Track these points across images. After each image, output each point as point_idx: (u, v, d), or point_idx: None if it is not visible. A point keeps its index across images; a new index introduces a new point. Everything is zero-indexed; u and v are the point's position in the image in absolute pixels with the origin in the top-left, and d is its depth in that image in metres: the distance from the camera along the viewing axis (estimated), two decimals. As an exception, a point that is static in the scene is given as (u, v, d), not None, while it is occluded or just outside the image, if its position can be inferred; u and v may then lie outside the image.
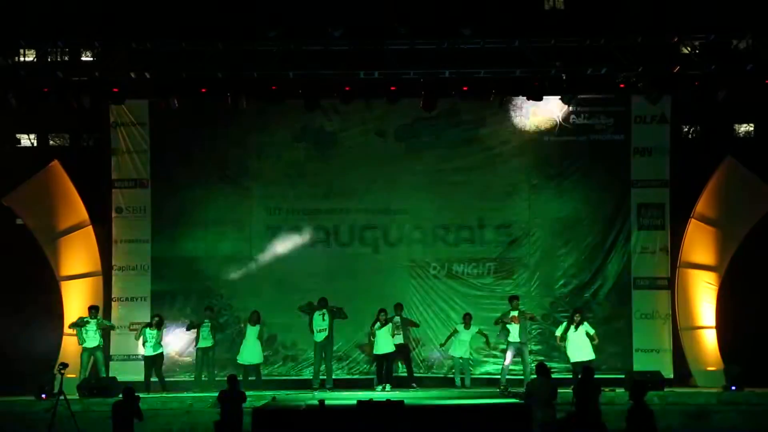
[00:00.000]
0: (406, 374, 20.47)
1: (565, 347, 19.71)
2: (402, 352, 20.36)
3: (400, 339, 20.23)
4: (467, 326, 20.23)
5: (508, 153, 21.37)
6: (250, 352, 20.16)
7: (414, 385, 20.10)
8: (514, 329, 19.82)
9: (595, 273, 21.22)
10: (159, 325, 19.94)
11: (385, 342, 19.94)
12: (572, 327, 19.49)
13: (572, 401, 15.29)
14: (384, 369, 19.98)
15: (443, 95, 20.37)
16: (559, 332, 19.72)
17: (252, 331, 20.13)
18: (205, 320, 20.15)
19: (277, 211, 21.41)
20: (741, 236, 20.83)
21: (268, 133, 21.39)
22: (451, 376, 20.69)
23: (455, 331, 20.37)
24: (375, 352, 20.10)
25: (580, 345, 19.45)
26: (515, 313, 19.84)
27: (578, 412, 14.94)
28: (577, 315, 19.65)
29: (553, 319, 21.08)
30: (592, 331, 19.53)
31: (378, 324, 19.87)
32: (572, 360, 19.52)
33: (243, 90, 19.95)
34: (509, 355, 19.88)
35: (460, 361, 20.39)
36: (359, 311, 21.05)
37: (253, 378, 20.17)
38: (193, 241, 21.29)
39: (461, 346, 20.28)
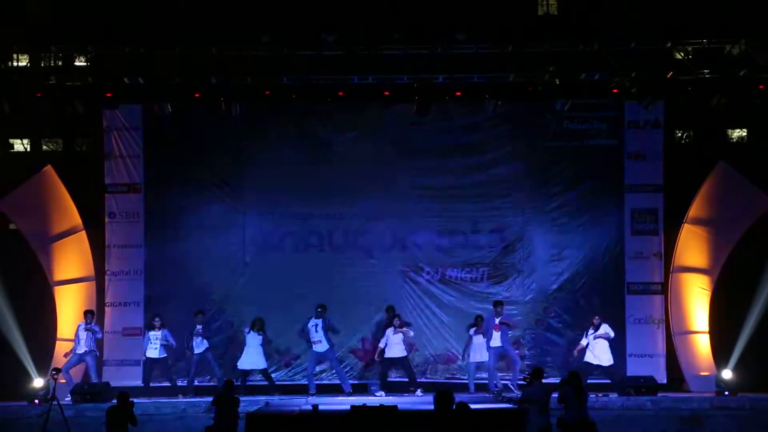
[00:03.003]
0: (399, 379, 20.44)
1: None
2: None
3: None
4: (479, 330, 20.15)
5: (501, 158, 21.37)
6: (256, 357, 20.10)
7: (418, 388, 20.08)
8: (495, 335, 19.87)
9: (588, 278, 21.22)
10: (161, 327, 19.91)
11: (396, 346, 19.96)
12: (592, 330, 19.58)
13: (564, 406, 15.28)
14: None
15: (437, 100, 20.41)
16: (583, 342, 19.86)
17: (257, 339, 20.06)
18: (197, 325, 20.11)
19: (271, 216, 21.39)
20: (734, 241, 20.85)
21: (261, 138, 21.36)
22: (443, 380, 20.72)
23: (470, 338, 20.30)
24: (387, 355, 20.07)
25: (601, 349, 19.55)
26: (497, 321, 19.90)
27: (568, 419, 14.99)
28: (596, 318, 19.75)
29: (546, 324, 21.10)
30: (612, 334, 19.65)
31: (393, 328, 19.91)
32: (593, 363, 19.73)
33: (236, 95, 19.97)
34: (492, 360, 19.91)
35: (475, 365, 20.32)
36: (353, 316, 21.10)
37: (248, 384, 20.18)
38: (187, 246, 21.25)
39: (475, 351, 20.20)
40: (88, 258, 21.01)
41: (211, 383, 20.37)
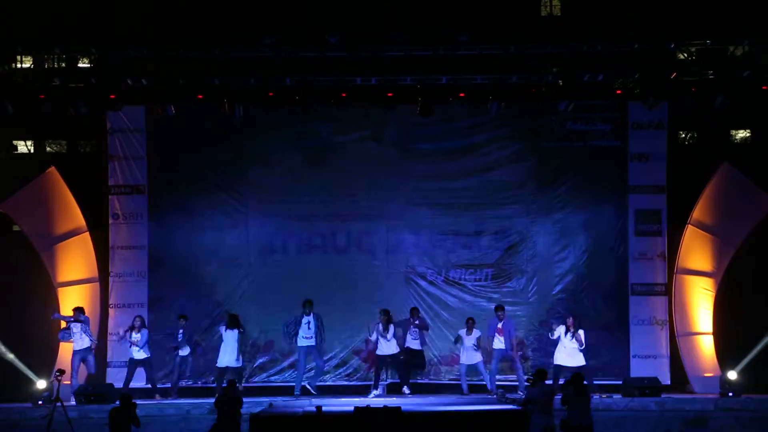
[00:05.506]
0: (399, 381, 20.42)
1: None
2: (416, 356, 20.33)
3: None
4: (469, 331, 20.16)
5: (504, 159, 21.36)
6: (231, 355, 19.95)
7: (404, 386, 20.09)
8: (497, 338, 19.86)
9: (592, 279, 21.21)
10: (140, 328, 19.86)
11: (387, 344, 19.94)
12: (569, 333, 19.39)
13: (566, 408, 15.27)
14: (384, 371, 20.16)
15: (440, 101, 20.42)
16: (558, 334, 19.60)
17: (231, 335, 19.90)
18: (180, 329, 20.04)
19: (274, 217, 21.38)
20: (738, 242, 20.81)
21: (264, 140, 21.37)
22: (447, 382, 20.78)
23: (459, 338, 20.29)
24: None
25: (571, 351, 19.39)
26: (500, 325, 19.87)
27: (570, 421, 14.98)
28: (570, 320, 19.58)
29: (550, 325, 21.07)
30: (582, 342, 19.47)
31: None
32: (557, 363, 19.41)
33: (240, 96, 19.99)
34: (494, 363, 19.91)
35: (466, 367, 20.27)
36: (356, 317, 21.08)
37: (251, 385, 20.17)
38: (190, 248, 21.26)
39: (466, 353, 20.19)
40: (91, 259, 21.01)
41: (197, 384, 20.38)
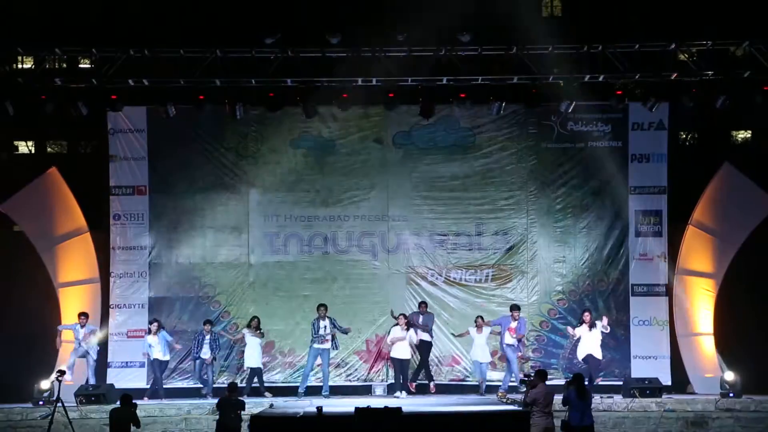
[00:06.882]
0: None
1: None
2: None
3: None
4: (479, 330, 20.17)
5: (505, 160, 21.37)
6: (256, 356, 20.10)
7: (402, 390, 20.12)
8: (508, 337, 19.96)
9: (592, 280, 21.21)
10: (158, 330, 19.90)
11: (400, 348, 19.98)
12: (586, 328, 19.49)
13: (567, 408, 15.28)
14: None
15: (441, 102, 20.43)
16: (579, 335, 19.70)
17: (255, 339, 20.04)
18: (206, 335, 20.06)
19: (275, 218, 21.39)
20: (739, 243, 20.80)
21: (265, 140, 21.37)
22: (447, 382, 20.84)
23: (467, 333, 20.33)
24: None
25: (590, 344, 19.50)
26: (514, 325, 19.89)
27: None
28: (587, 314, 19.66)
29: (550, 326, 21.09)
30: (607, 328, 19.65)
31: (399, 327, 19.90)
32: (582, 356, 19.62)
33: (240, 97, 20.00)
34: (509, 358, 19.97)
35: (479, 364, 20.29)
36: (357, 318, 21.09)
37: (257, 385, 20.16)
38: (191, 248, 21.27)
39: (475, 350, 20.25)
40: (92, 260, 21.01)
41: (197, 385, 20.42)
